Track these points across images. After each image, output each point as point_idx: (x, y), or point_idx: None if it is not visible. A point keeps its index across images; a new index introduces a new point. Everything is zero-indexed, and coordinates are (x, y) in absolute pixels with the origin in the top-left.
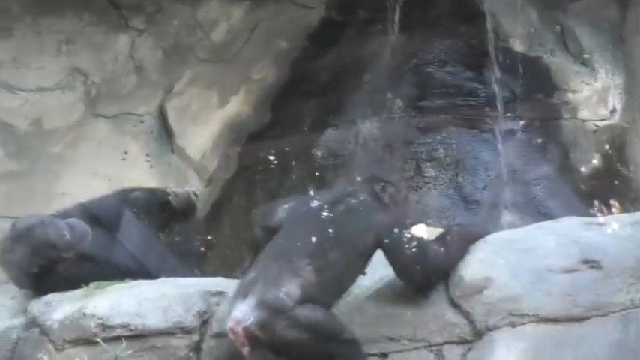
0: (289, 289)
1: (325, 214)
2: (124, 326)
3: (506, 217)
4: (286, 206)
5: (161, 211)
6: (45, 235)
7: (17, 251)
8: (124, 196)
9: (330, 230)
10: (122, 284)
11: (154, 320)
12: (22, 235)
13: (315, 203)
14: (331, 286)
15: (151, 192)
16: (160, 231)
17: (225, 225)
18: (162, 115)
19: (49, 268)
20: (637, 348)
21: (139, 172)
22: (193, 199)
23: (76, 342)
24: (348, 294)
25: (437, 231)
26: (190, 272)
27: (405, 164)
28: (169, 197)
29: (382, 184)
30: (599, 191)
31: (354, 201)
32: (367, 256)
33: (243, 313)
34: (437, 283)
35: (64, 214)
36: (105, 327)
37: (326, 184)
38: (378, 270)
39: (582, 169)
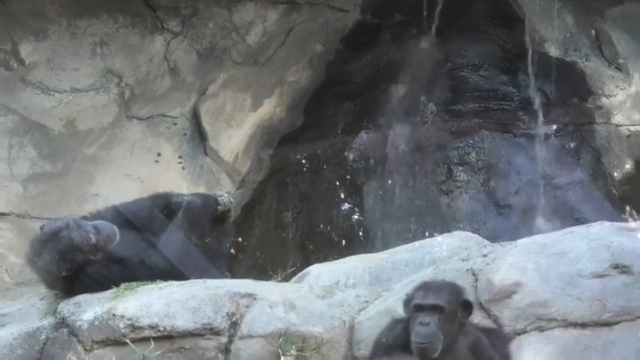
0: None
1: None
2: (152, 327)
3: (538, 221)
4: None
5: (211, 216)
6: (70, 239)
7: (44, 255)
8: (168, 200)
9: None
10: (152, 285)
11: (183, 321)
12: (49, 240)
13: None
14: None
15: (205, 197)
16: (200, 235)
17: (256, 227)
18: (195, 118)
19: (78, 270)
20: None
21: (172, 174)
22: (229, 202)
23: (105, 343)
24: (376, 296)
25: None
26: (220, 274)
27: (437, 168)
28: (219, 205)
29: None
30: (632, 196)
31: None
32: None
33: None
34: None
35: (97, 216)
36: (134, 328)
37: (357, 187)
38: (408, 272)
39: (615, 174)
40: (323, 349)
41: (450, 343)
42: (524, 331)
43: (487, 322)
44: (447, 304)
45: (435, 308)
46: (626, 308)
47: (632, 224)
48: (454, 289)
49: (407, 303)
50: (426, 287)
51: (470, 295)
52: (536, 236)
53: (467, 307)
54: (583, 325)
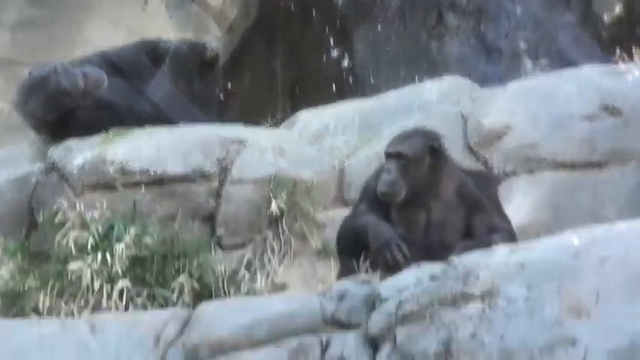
0: None
1: None
2: (143, 172)
3: (528, 65)
4: None
5: (199, 62)
6: (58, 83)
7: (32, 100)
8: (155, 46)
9: None
10: (141, 131)
11: (173, 166)
12: (36, 85)
13: None
14: None
15: (193, 44)
16: (188, 81)
17: (245, 73)
18: None
19: (66, 115)
20: None
21: (159, 21)
22: (217, 48)
23: (95, 187)
24: (365, 142)
25: None
26: (210, 120)
27: (427, 13)
28: (207, 51)
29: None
30: (621, 39)
31: None
32: None
33: None
34: None
35: (84, 61)
36: (124, 172)
37: (347, 33)
38: (398, 118)
39: (605, 17)
40: (313, 193)
41: (417, 187)
42: (513, 174)
43: (477, 166)
44: (409, 151)
45: (398, 156)
46: (615, 149)
47: (621, 66)
48: (423, 136)
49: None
50: (396, 135)
51: (459, 139)
52: (526, 80)
53: (435, 153)
54: (572, 167)
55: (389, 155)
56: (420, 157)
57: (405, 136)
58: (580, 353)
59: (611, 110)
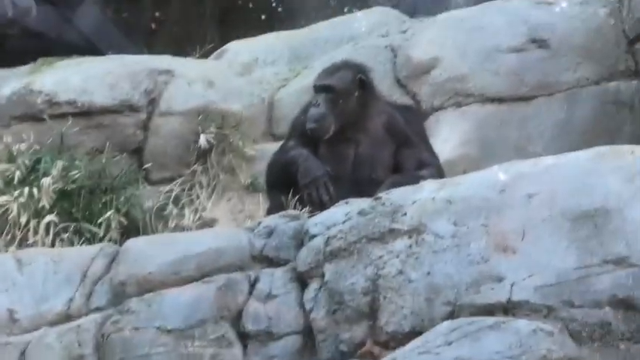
0: None
1: None
2: (70, 103)
3: None
4: None
5: None
6: None
7: None
8: None
9: None
10: (69, 61)
11: (101, 98)
12: None
13: None
14: None
15: None
16: (117, 9)
17: (174, 2)
18: None
19: None
20: (582, 126)
21: None
22: None
23: (23, 118)
24: (295, 74)
25: None
26: (138, 50)
27: None
28: None
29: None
30: None
31: None
32: None
33: None
34: None
35: None
36: (51, 104)
37: None
38: (328, 50)
39: None
40: (242, 126)
41: (346, 121)
42: (441, 107)
43: (406, 99)
44: (337, 83)
45: (326, 89)
46: (542, 83)
47: None
48: (351, 68)
49: None
50: (325, 68)
51: (388, 72)
52: (455, 11)
53: (363, 86)
54: (500, 101)
55: (317, 88)
56: (349, 90)
57: (334, 69)
58: (506, 290)
59: (539, 43)
